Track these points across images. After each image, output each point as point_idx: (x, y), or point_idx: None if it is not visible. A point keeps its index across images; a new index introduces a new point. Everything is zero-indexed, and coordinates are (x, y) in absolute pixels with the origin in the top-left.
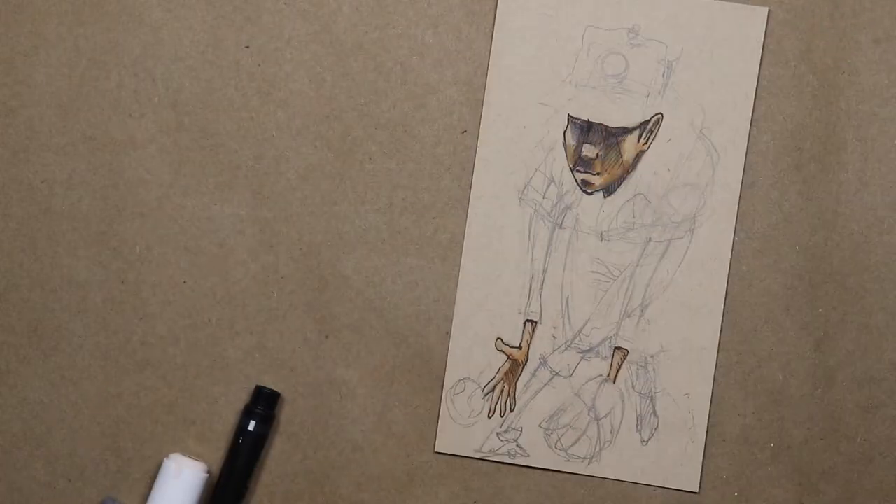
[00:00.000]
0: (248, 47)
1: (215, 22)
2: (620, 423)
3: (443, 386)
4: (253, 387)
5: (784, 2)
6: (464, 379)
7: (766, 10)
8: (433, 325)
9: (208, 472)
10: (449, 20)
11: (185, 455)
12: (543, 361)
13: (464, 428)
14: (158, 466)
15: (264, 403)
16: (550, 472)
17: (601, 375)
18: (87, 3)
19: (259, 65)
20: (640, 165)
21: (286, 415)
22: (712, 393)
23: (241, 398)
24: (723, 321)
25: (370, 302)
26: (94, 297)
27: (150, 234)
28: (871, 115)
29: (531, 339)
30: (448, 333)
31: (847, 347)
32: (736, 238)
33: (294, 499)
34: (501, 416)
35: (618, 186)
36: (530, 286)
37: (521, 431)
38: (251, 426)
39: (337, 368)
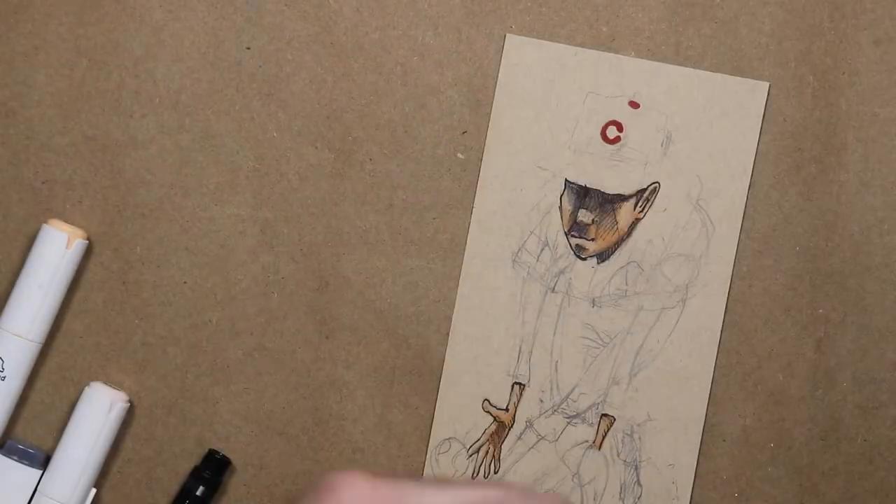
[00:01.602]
0: (248, 48)
1: (216, 23)
2: (604, 490)
3: (428, 442)
4: (253, 389)
5: (783, 2)
6: (449, 438)
7: (766, 84)
8: (433, 325)
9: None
10: (449, 21)
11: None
12: (530, 425)
13: None
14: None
15: (214, 469)
16: None
17: (587, 441)
18: (87, 3)
19: (260, 66)
20: (634, 233)
21: (286, 415)
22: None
23: (242, 399)
24: (723, 321)
25: (370, 302)
26: (95, 297)
27: (150, 235)
28: (872, 116)
29: (518, 401)
30: (447, 334)
31: (847, 348)
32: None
33: (294, 500)
34: (486, 478)
35: (612, 253)
36: (520, 349)
37: None
38: (199, 491)
39: (337, 369)
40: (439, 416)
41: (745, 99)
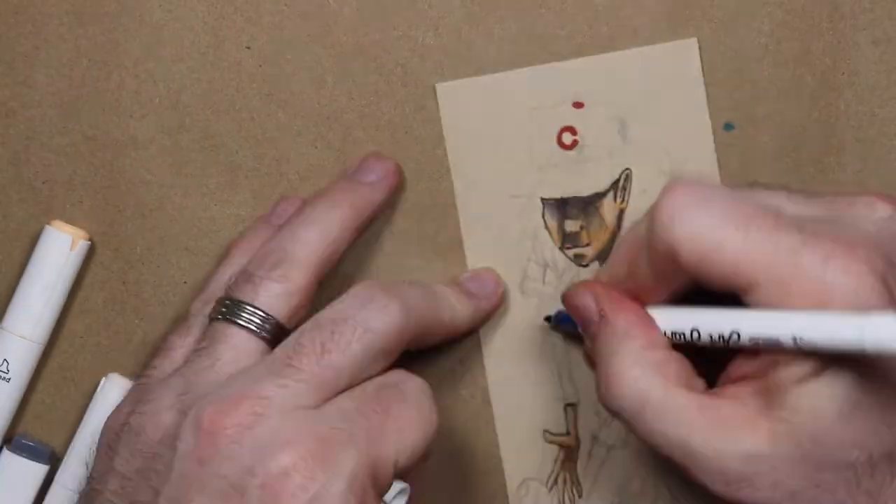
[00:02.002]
0: (249, 48)
1: (216, 23)
2: None
3: (506, 488)
4: None
5: (783, 3)
6: (526, 480)
7: (694, 40)
8: None
9: None
10: (449, 22)
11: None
12: (595, 439)
13: None
14: None
15: None
16: None
17: None
18: (87, 3)
19: (260, 65)
20: (624, 223)
21: None
22: None
23: None
24: None
25: None
26: (95, 297)
27: (150, 235)
28: (871, 116)
29: (576, 421)
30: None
31: None
32: None
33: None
34: None
35: (609, 250)
36: (559, 372)
37: None
38: None
39: None
40: (507, 460)
41: (679, 60)
